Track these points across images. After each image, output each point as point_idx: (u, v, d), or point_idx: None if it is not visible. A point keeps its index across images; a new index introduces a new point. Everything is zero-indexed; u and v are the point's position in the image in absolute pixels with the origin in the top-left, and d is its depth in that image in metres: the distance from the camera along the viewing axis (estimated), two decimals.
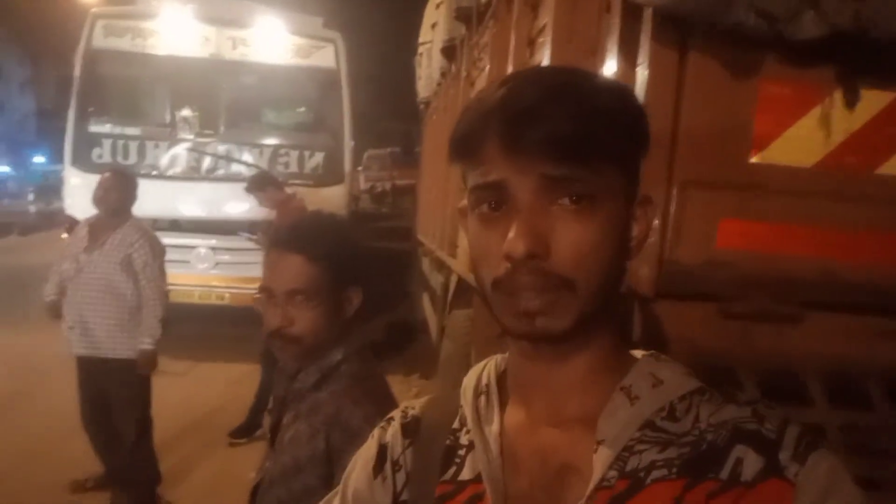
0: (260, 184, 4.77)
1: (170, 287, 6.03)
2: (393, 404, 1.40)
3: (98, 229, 3.32)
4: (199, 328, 6.54)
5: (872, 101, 1.34)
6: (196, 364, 5.88)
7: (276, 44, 6.69)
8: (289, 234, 1.37)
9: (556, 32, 2.06)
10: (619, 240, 0.59)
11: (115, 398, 3.35)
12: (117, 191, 3.30)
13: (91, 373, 3.33)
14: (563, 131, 0.55)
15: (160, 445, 3.68)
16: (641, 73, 1.39)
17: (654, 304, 1.40)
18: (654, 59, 1.35)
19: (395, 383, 3.30)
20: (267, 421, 4.59)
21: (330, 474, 1.27)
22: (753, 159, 1.36)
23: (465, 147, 0.61)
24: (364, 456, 0.74)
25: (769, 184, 1.37)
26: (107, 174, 3.41)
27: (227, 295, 6.40)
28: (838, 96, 1.34)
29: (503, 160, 0.57)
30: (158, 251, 3.39)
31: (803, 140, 1.35)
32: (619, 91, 0.62)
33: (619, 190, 0.59)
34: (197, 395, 5.19)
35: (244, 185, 4.88)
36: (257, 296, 1.35)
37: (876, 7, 1.19)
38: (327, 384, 1.37)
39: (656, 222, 1.39)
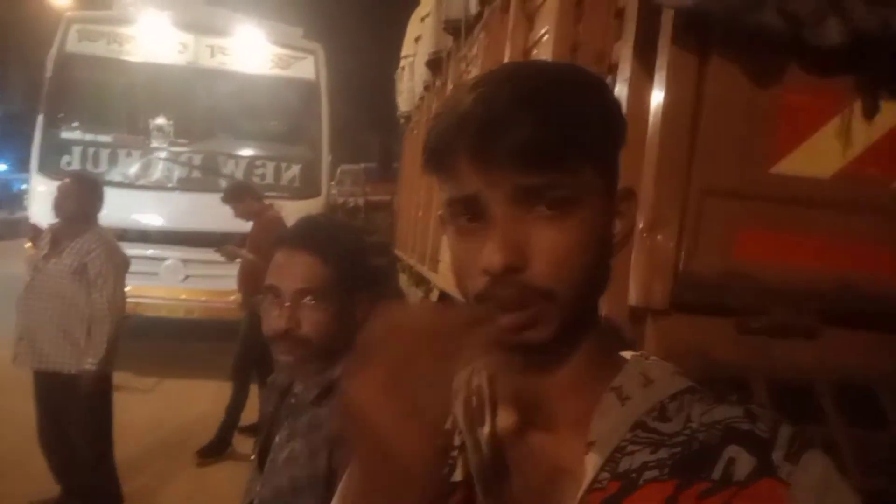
0: (237, 194, 4.65)
1: (138, 300, 5.93)
2: None
3: (59, 237, 3.17)
4: (166, 343, 6.35)
5: (893, 111, 1.32)
6: (163, 380, 5.68)
7: (255, 53, 6.61)
8: (300, 233, 1.30)
9: (558, 42, 2.03)
10: (599, 240, 0.58)
11: (68, 415, 3.17)
12: (77, 197, 3.14)
13: (44, 387, 3.16)
14: (533, 140, 0.54)
15: (125, 465, 3.51)
16: (659, 80, 1.35)
17: (668, 317, 1.35)
18: (674, 65, 1.31)
19: None
20: (239, 440, 4.43)
21: (331, 496, 1.18)
22: (773, 169, 1.32)
23: (436, 161, 0.59)
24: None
25: (788, 194, 1.33)
26: (66, 180, 3.26)
27: (196, 308, 6.22)
28: (858, 106, 1.32)
29: (475, 173, 0.56)
30: (118, 263, 3.20)
31: (823, 150, 1.33)
32: (592, 84, 0.60)
33: (596, 189, 0.58)
34: (164, 413, 5.00)
35: (220, 195, 4.75)
36: (260, 296, 1.27)
37: None
38: (328, 399, 1.28)
39: (656, 237, 1.34)
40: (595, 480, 0.56)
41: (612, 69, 1.73)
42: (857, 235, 1.37)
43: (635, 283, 1.35)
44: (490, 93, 0.56)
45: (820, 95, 1.31)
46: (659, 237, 1.32)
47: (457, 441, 0.66)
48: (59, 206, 3.15)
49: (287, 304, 1.23)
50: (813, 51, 1.26)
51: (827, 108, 1.32)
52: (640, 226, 1.34)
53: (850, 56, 1.26)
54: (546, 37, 2.32)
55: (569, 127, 0.55)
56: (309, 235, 1.28)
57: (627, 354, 0.65)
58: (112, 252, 3.19)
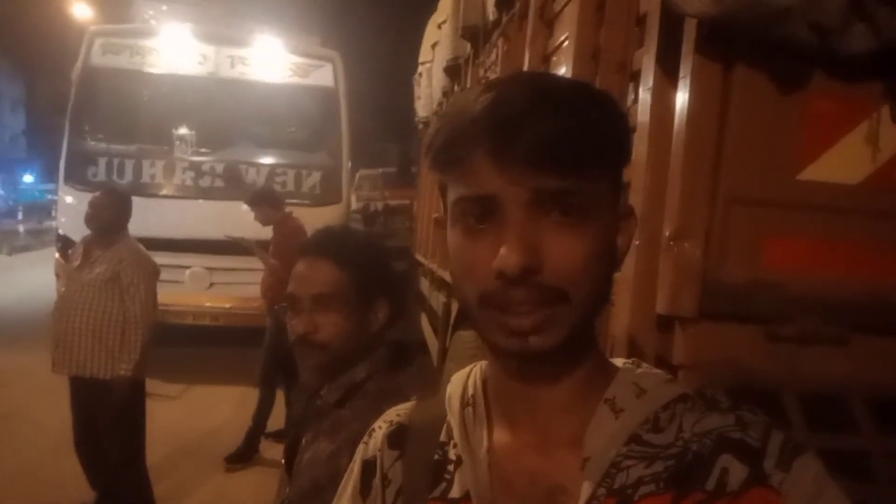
0: (254, 199, 4.71)
1: (163, 307, 5.99)
2: None
3: (90, 248, 3.28)
4: (193, 350, 6.42)
5: None
6: (190, 387, 5.75)
7: (274, 62, 6.68)
8: (317, 242, 1.34)
9: (579, 48, 2.03)
10: (607, 253, 0.58)
11: (101, 420, 3.26)
12: (108, 210, 3.26)
13: (79, 393, 3.27)
14: (557, 141, 0.53)
15: (152, 470, 3.57)
16: (683, 88, 1.35)
17: (696, 325, 1.35)
18: (698, 73, 1.31)
19: None
20: (266, 446, 4.48)
21: None
22: (800, 176, 1.32)
23: (447, 157, 0.57)
24: (349, 481, 0.73)
25: (816, 201, 1.33)
26: (97, 193, 3.37)
27: (221, 315, 6.30)
28: (886, 112, 1.31)
29: (493, 172, 0.54)
30: (149, 271, 3.31)
31: (850, 156, 1.32)
32: (602, 97, 0.59)
33: (605, 202, 0.58)
34: (191, 419, 5.06)
35: (244, 199, 4.81)
36: (283, 304, 1.31)
37: None
38: (351, 401, 1.31)
39: (683, 245, 1.34)
40: (592, 497, 0.56)
41: (634, 77, 1.73)
42: (889, 242, 1.36)
43: (663, 290, 1.35)
44: (509, 93, 0.55)
45: (847, 101, 1.30)
46: (686, 245, 1.32)
47: (452, 454, 0.65)
48: (92, 218, 3.25)
49: (305, 309, 1.26)
50: (839, 58, 1.25)
51: (854, 114, 1.31)
52: (667, 234, 1.34)
53: (876, 61, 1.25)
54: (566, 43, 2.32)
55: (590, 136, 0.55)
56: (325, 243, 1.33)
57: (618, 362, 0.65)
58: (143, 261, 3.29)
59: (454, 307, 4.18)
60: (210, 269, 6.19)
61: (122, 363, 3.17)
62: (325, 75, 6.81)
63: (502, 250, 0.53)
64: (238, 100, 6.64)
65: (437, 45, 5.68)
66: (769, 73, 1.30)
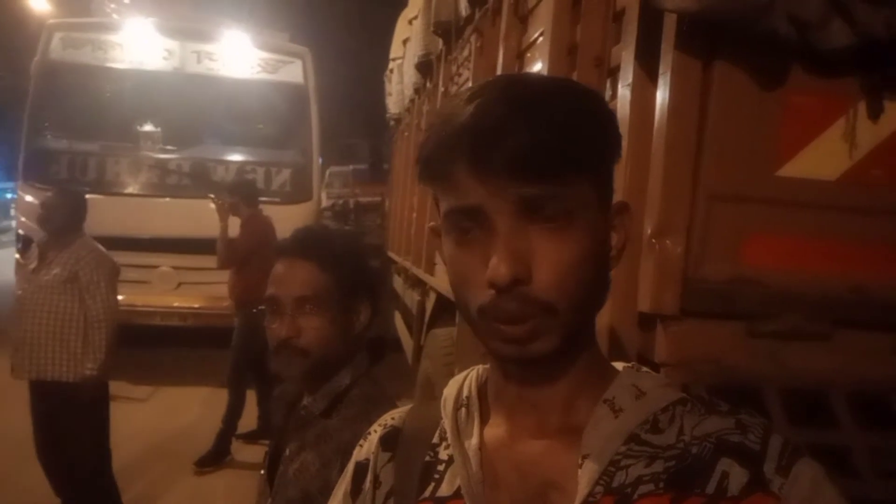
0: (237, 190, 4.63)
1: (130, 308, 5.86)
2: None
3: (46, 250, 3.20)
4: (161, 351, 6.29)
5: None
6: (158, 389, 5.63)
7: (242, 58, 6.57)
8: (297, 242, 1.29)
9: (554, 44, 2.01)
10: (598, 253, 0.59)
11: (64, 424, 3.17)
12: (61, 210, 3.18)
13: (40, 397, 3.18)
14: (534, 150, 0.54)
15: (121, 475, 3.48)
16: (663, 84, 1.34)
17: (678, 322, 1.34)
18: (678, 69, 1.30)
19: None
20: (237, 448, 4.41)
21: None
22: (779, 172, 1.32)
23: (434, 170, 0.59)
24: (342, 483, 0.74)
25: (795, 198, 1.33)
26: (49, 194, 3.29)
27: (189, 316, 6.18)
28: (862, 107, 1.31)
29: (476, 183, 0.55)
30: (108, 270, 3.22)
31: (829, 152, 1.32)
32: (588, 97, 0.60)
33: (593, 201, 0.58)
34: (160, 422, 4.95)
35: (210, 201, 4.71)
36: (261, 307, 1.26)
37: None
38: (338, 410, 1.27)
39: (664, 242, 1.33)
40: (589, 495, 0.56)
41: (612, 73, 1.72)
42: (868, 237, 1.37)
43: (644, 289, 1.34)
44: (487, 103, 0.56)
45: (825, 97, 1.31)
46: (667, 242, 1.31)
47: (444, 455, 0.65)
48: (45, 219, 3.18)
49: (287, 312, 1.22)
50: (818, 53, 1.25)
51: (832, 110, 1.31)
52: (648, 231, 1.33)
53: (854, 58, 1.26)
54: (541, 39, 2.30)
55: (569, 139, 0.55)
56: (306, 244, 1.28)
57: (619, 365, 0.65)
58: (102, 259, 3.21)
59: (429, 305, 4.16)
60: (178, 269, 6.07)
61: (88, 363, 3.10)
62: (294, 71, 6.72)
63: (492, 261, 0.54)
64: (205, 96, 6.51)
65: (408, 41, 5.63)
66: (749, 69, 1.29)
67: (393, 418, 0.74)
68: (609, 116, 0.61)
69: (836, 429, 1.36)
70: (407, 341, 5.05)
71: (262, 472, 1.43)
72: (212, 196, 4.64)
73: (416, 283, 4.70)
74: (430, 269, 4.11)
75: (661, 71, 1.35)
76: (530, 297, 0.55)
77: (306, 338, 1.23)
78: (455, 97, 0.59)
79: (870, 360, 1.35)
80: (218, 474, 4.23)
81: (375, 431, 0.73)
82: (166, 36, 6.41)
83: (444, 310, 3.72)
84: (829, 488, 0.55)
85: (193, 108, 6.49)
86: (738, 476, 0.55)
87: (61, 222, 3.16)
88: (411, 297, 4.93)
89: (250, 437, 4.56)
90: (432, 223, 0.63)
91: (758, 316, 1.34)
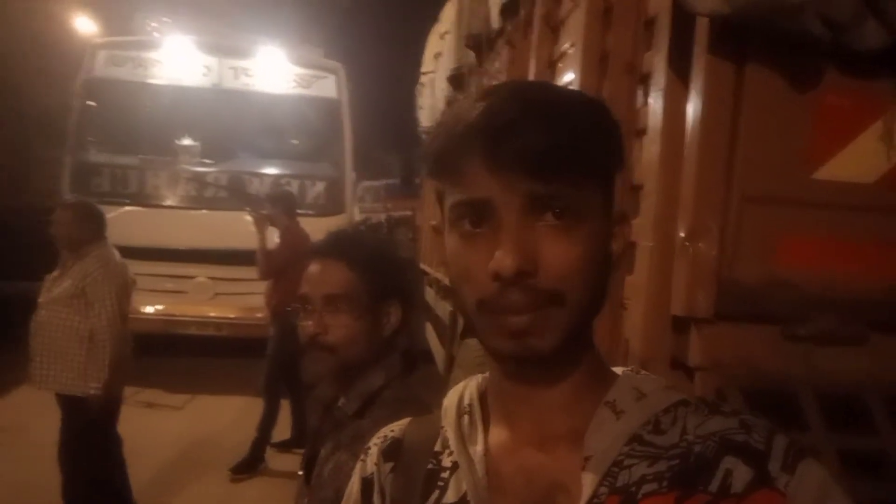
0: (272, 198, 4.73)
1: (167, 318, 6.00)
2: None
3: (66, 260, 3.17)
4: (197, 360, 6.40)
5: None
6: (194, 397, 5.72)
7: (277, 73, 6.70)
8: (330, 242, 1.33)
9: (586, 53, 2.04)
10: (601, 256, 0.59)
11: (69, 433, 3.15)
12: (69, 224, 3.12)
13: (60, 407, 3.17)
14: (548, 148, 0.54)
15: (157, 482, 3.53)
16: (695, 88, 1.34)
17: (712, 325, 1.33)
18: (710, 73, 1.31)
19: None
20: (272, 456, 4.44)
21: None
22: (815, 175, 1.31)
23: (444, 163, 0.59)
24: (349, 500, 0.74)
25: (831, 200, 1.32)
26: (58, 209, 3.20)
27: (225, 326, 6.28)
28: None
29: (487, 177, 0.55)
30: (119, 285, 3.11)
31: (865, 154, 1.31)
32: (596, 105, 0.60)
33: (598, 206, 0.59)
34: (195, 430, 5.03)
35: (246, 213, 4.81)
36: (295, 306, 1.30)
37: None
38: (370, 411, 1.29)
39: (698, 245, 1.33)
40: (594, 496, 0.56)
41: (643, 79, 1.73)
42: None
43: (678, 291, 1.34)
44: (501, 102, 0.57)
45: (861, 99, 1.30)
46: (700, 245, 1.32)
47: (447, 462, 0.65)
48: (56, 234, 3.14)
49: (316, 310, 1.25)
50: (852, 54, 1.25)
51: (868, 112, 1.31)
52: (682, 234, 1.34)
53: (890, 58, 1.25)
54: (572, 49, 2.32)
55: (580, 141, 0.56)
56: (337, 244, 1.32)
57: (618, 370, 0.65)
58: (111, 275, 3.11)
59: (461, 315, 4.17)
60: (214, 280, 6.18)
61: (92, 381, 3.03)
62: (328, 86, 6.83)
63: (497, 253, 0.54)
64: (241, 110, 6.65)
65: (439, 55, 5.70)
66: (782, 72, 1.29)
67: (392, 430, 0.74)
68: (616, 126, 0.61)
69: (874, 433, 1.34)
70: (438, 352, 5.06)
71: (300, 472, 1.45)
72: (248, 209, 4.74)
73: (448, 295, 4.72)
74: None
75: (693, 75, 1.36)
76: (536, 288, 0.55)
77: (333, 335, 1.26)
78: (464, 99, 0.60)
79: None
80: (252, 482, 4.27)
81: (375, 445, 0.73)
82: (204, 53, 6.58)
83: None
84: (837, 490, 0.55)
85: (230, 123, 6.63)
86: (742, 474, 0.55)
87: (68, 235, 3.12)
88: (443, 308, 4.95)
89: (284, 446, 4.60)
90: (434, 221, 0.63)
91: (792, 319, 1.33)
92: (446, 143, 0.58)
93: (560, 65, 2.60)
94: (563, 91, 0.61)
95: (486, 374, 0.68)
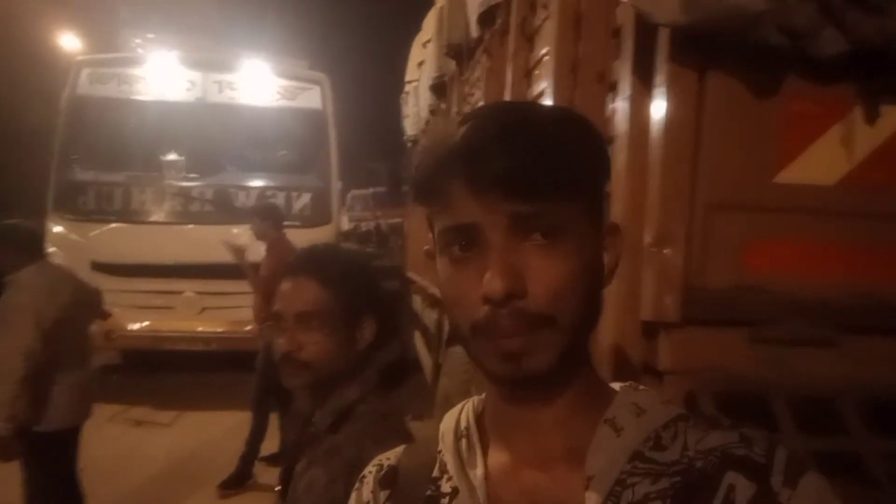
0: (262, 211, 4.72)
1: (154, 334, 5.96)
2: (412, 441, 1.33)
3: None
4: (185, 376, 6.37)
5: (892, 117, 1.32)
6: (182, 413, 5.69)
7: (262, 86, 6.71)
8: (302, 260, 1.34)
9: (559, 62, 2.05)
10: (592, 271, 0.59)
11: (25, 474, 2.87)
12: None
13: None
14: (525, 168, 0.55)
15: (146, 499, 3.50)
16: (659, 96, 1.36)
17: (681, 330, 1.35)
18: (673, 81, 1.32)
19: None
20: (260, 470, 4.42)
21: None
22: (777, 179, 1.33)
23: (430, 189, 0.60)
24: None
25: (794, 203, 1.33)
26: None
27: (214, 340, 6.25)
28: (859, 112, 1.32)
29: (471, 201, 0.56)
30: (39, 308, 2.74)
31: (826, 157, 1.33)
32: (578, 122, 0.61)
33: (585, 221, 0.59)
34: (183, 446, 5.00)
35: (234, 227, 4.81)
36: (269, 323, 1.31)
37: None
38: (345, 425, 1.30)
39: (664, 252, 1.35)
40: None
41: (613, 87, 1.74)
42: (870, 241, 1.37)
43: (646, 297, 1.35)
44: (480, 125, 0.57)
45: (820, 103, 1.32)
46: (667, 252, 1.33)
47: (446, 487, 0.64)
48: None
49: (289, 328, 1.26)
50: (812, 61, 1.27)
51: (828, 116, 1.33)
52: (648, 241, 1.35)
53: (848, 64, 1.27)
54: (546, 57, 2.34)
55: (562, 159, 0.56)
56: (309, 261, 1.33)
57: (616, 385, 0.65)
58: (27, 300, 2.77)
59: (447, 324, 4.17)
60: (202, 294, 6.16)
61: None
62: (312, 97, 6.84)
63: (486, 276, 0.55)
64: (227, 124, 6.65)
65: (422, 63, 5.72)
66: (743, 79, 1.31)
67: (388, 458, 0.73)
68: (599, 140, 0.62)
69: (846, 435, 1.35)
70: (426, 360, 5.06)
71: (277, 488, 1.45)
72: (231, 249, 4.72)
73: (434, 303, 4.72)
74: None
75: (656, 83, 1.37)
76: (525, 312, 0.55)
77: (307, 352, 1.27)
78: (447, 121, 0.62)
79: (878, 365, 1.35)
80: (241, 497, 4.25)
81: (371, 473, 0.73)
82: (189, 67, 6.59)
83: None
84: (835, 501, 0.56)
85: (215, 137, 6.64)
86: (744, 489, 0.55)
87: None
88: (429, 317, 4.95)
89: (273, 460, 4.59)
90: (427, 246, 0.63)
91: (761, 322, 1.34)
92: (430, 169, 0.59)
93: (536, 73, 2.62)
94: (543, 109, 0.62)
95: (482, 396, 0.68)
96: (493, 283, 0.54)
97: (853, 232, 1.35)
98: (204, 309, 6.20)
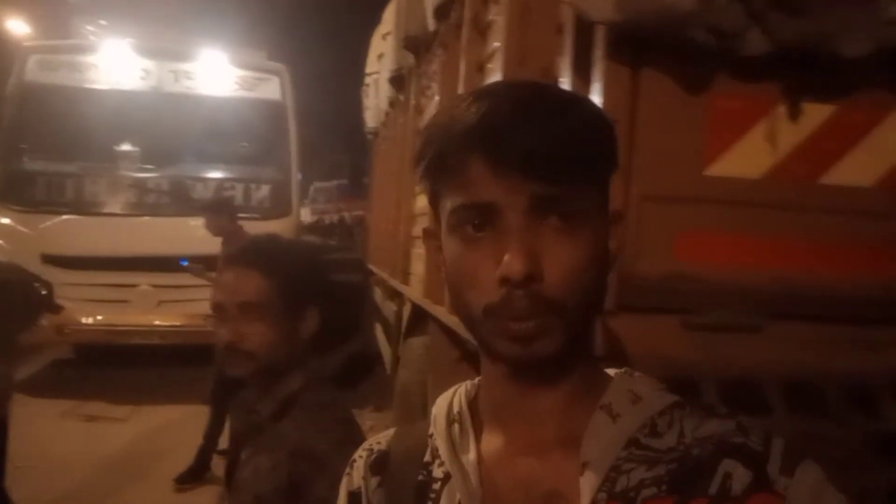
0: (215, 207, 4.66)
1: (109, 328, 5.84)
2: (359, 431, 1.36)
3: None
4: (142, 370, 6.26)
5: (815, 113, 1.39)
6: (138, 408, 5.59)
7: (219, 76, 6.61)
8: (244, 250, 1.35)
9: (508, 55, 2.09)
10: (602, 258, 0.59)
11: None
12: None
13: None
14: (551, 149, 0.54)
15: (102, 496, 3.45)
16: (596, 91, 1.41)
17: (615, 317, 1.40)
18: (608, 77, 1.37)
19: None
20: (218, 464, 4.38)
21: None
22: (707, 172, 1.39)
23: (442, 166, 0.58)
24: None
25: (723, 195, 1.40)
26: None
27: (171, 334, 6.17)
28: (783, 109, 1.39)
29: (490, 180, 0.55)
30: None
31: (752, 152, 1.39)
32: (590, 106, 0.61)
33: (598, 207, 0.59)
34: (140, 441, 4.93)
35: (190, 218, 4.76)
36: (210, 314, 1.31)
37: (818, 24, 1.24)
38: (289, 414, 1.31)
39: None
40: (593, 502, 0.56)
41: (556, 82, 1.79)
42: (794, 232, 1.44)
43: None
44: (498, 103, 0.56)
45: (747, 100, 1.38)
46: None
47: (438, 472, 0.64)
48: None
49: (231, 318, 1.27)
50: (739, 60, 1.32)
51: (754, 112, 1.39)
52: None
53: (773, 63, 1.33)
54: (498, 51, 2.38)
55: (582, 142, 0.56)
56: (252, 252, 1.34)
57: (611, 371, 0.65)
58: None
59: (405, 315, 4.20)
60: (158, 287, 6.06)
61: None
62: (272, 88, 6.77)
63: (506, 257, 0.54)
64: (183, 114, 6.53)
65: (382, 56, 5.71)
66: (675, 76, 1.36)
67: (379, 442, 0.72)
68: (611, 126, 0.61)
69: (771, 416, 1.42)
70: (386, 352, 5.08)
71: (224, 476, 1.46)
72: (188, 270, 4.68)
73: (394, 294, 4.74)
74: (405, 279, 4.16)
75: (594, 79, 1.42)
76: (541, 296, 0.54)
77: (249, 342, 1.28)
78: (456, 100, 0.60)
79: (800, 350, 1.42)
80: (198, 491, 4.21)
81: (361, 458, 0.72)
82: (143, 56, 6.44)
83: (419, 319, 3.76)
84: (832, 489, 0.56)
85: (172, 127, 6.51)
86: (741, 477, 0.55)
87: None
88: (389, 308, 4.97)
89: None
90: (427, 226, 0.63)
91: (692, 310, 1.40)
92: (444, 145, 0.57)
93: (489, 66, 2.66)
94: (558, 91, 0.61)
95: (476, 381, 0.68)
96: (513, 265, 0.53)
97: (778, 223, 1.42)
98: (160, 302, 6.10)
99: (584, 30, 1.45)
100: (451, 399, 0.68)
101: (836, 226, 1.41)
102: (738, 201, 1.40)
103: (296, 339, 1.35)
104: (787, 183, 1.40)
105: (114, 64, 6.36)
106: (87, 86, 6.30)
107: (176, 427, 5.21)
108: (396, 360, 4.31)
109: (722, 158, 1.38)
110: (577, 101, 0.60)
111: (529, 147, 0.54)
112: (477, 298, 0.56)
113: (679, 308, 1.40)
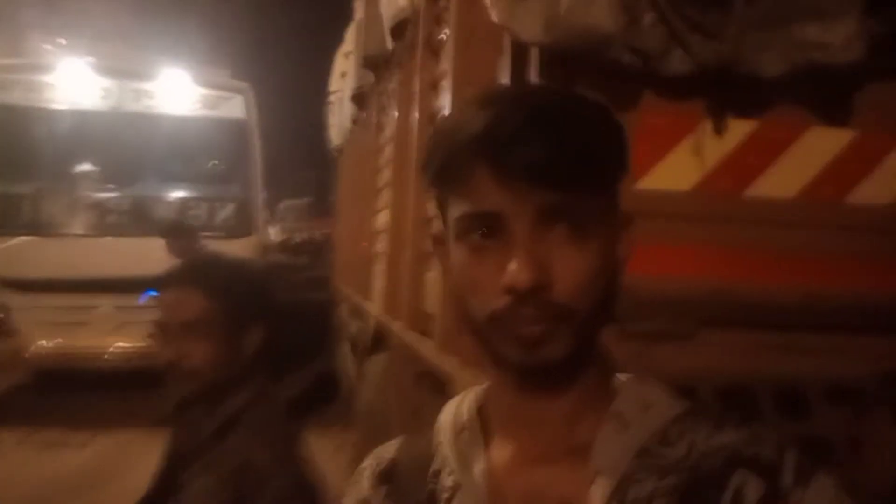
0: (175, 230, 4.64)
1: (69, 351, 5.71)
2: (303, 446, 1.37)
3: None
4: (102, 394, 6.13)
5: (738, 129, 1.46)
6: (97, 433, 5.47)
7: (181, 95, 6.58)
8: (186, 269, 1.36)
9: (456, 76, 2.14)
10: (611, 264, 0.59)
11: None
12: None
13: None
14: (556, 158, 0.54)
15: None
16: None
17: None
18: None
19: (314, 437, 3.14)
20: None
21: None
22: (638, 185, 1.44)
23: (448, 173, 0.58)
24: None
25: (654, 208, 1.45)
26: None
27: (134, 356, 6.06)
28: (707, 125, 1.45)
29: (496, 188, 0.54)
30: None
31: (680, 166, 1.45)
32: (600, 109, 0.60)
33: (607, 213, 0.59)
34: (98, 467, 4.83)
35: (151, 238, 4.71)
36: (152, 333, 1.32)
37: (733, 46, 1.31)
38: (233, 431, 1.32)
39: None
40: None
41: None
42: (723, 243, 1.50)
43: None
44: (505, 110, 0.56)
45: (673, 117, 1.45)
46: None
47: (448, 482, 0.63)
48: None
49: (173, 337, 1.28)
50: (663, 79, 1.39)
51: (681, 129, 1.45)
52: None
53: (696, 81, 1.40)
54: (448, 71, 2.43)
55: (588, 148, 0.55)
56: (193, 271, 1.36)
57: (622, 376, 0.65)
58: None
59: (369, 332, 4.19)
60: (120, 308, 5.96)
61: None
62: (235, 107, 6.75)
63: (512, 266, 0.53)
64: (145, 134, 6.48)
65: (345, 74, 5.75)
66: (604, 94, 1.41)
67: (387, 451, 0.71)
68: (621, 129, 0.60)
69: None
70: (351, 369, 5.07)
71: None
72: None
73: (357, 312, 4.74)
74: (369, 295, 4.16)
75: None
76: (549, 302, 0.54)
77: (193, 361, 1.29)
78: (462, 107, 0.60)
79: (732, 356, 1.47)
80: None
81: (368, 467, 0.71)
82: (103, 75, 6.39)
83: (382, 336, 3.77)
84: (847, 501, 0.55)
85: (133, 147, 6.45)
86: (754, 488, 0.54)
87: None
88: (354, 325, 4.96)
89: None
90: (435, 231, 0.62)
91: (627, 319, 1.44)
92: (449, 152, 0.57)
93: (442, 84, 2.71)
94: (566, 96, 0.60)
95: (484, 387, 0.67)
96: (519, 275, 0.53)
97: (707, 234, 1.48)
98: (123, 323, 6.00)
99: (520, 50, 1.50)
100: (458, 406, 0.67)
101: (762, 236, 1.48)
102: (669, 214, 1.45)
103: (238, 357, 1.36)
104: (714, 195, 1.46)
105: (72, 83, 6.30)
106: (45, 105, 6.22)
107: (136, 452, 5.10)
108: (360, 377, 4.31)
109: (652, 172, 1.44)
110: (586, 105, 0.59)
111: (535, 156, 0.53)
112: (482, 305, 0.56)
113: (617, 317, 1.44)
